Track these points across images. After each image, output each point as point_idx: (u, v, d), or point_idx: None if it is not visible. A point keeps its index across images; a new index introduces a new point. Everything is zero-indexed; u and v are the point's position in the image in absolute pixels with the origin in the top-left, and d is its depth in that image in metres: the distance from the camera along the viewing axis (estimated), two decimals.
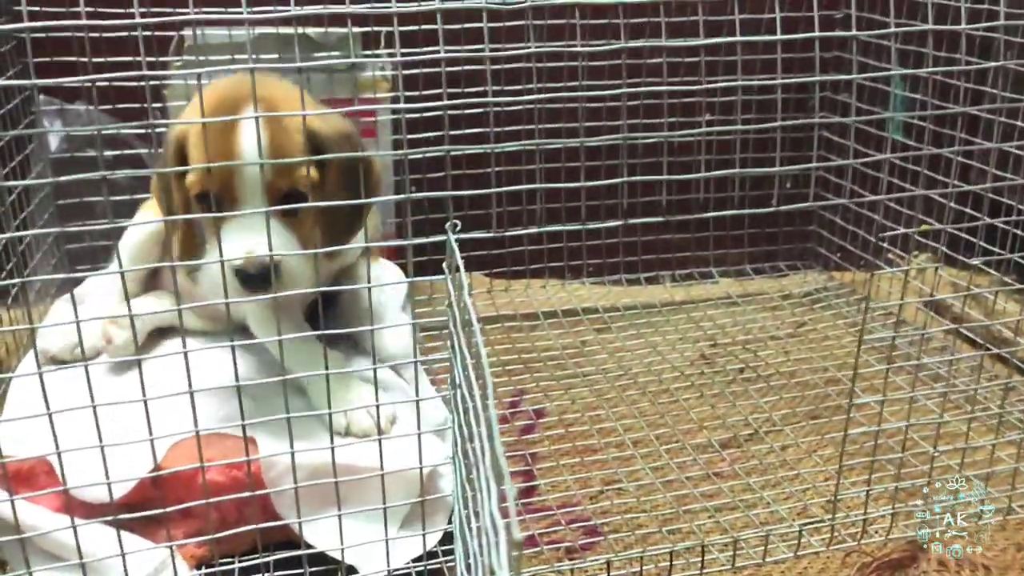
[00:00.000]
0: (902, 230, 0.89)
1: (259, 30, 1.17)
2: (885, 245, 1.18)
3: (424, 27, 1.02)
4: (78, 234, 1.21)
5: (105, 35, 0.78)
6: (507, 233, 0.61)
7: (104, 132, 1.24)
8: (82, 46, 0.76)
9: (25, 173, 1.15)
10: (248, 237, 0.77)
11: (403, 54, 0.56)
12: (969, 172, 1.20)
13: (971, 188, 0.85)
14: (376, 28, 1.20)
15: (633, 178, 0.60)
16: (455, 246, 0.57)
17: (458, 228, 0.58)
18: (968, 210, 1.06)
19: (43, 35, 1.02)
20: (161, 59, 1.17)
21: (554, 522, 0.90)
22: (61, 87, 1.16)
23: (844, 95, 1.33)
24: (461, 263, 0.55)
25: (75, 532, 0.69)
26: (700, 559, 0.81)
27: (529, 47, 0.60)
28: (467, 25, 1.00)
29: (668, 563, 0.81)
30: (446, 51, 0.55)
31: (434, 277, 0.61)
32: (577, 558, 0.85)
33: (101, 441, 0.68)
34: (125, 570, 0.70)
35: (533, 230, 0.62)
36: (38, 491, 0.78)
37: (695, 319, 1.34)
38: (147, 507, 0.78)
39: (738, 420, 1.08)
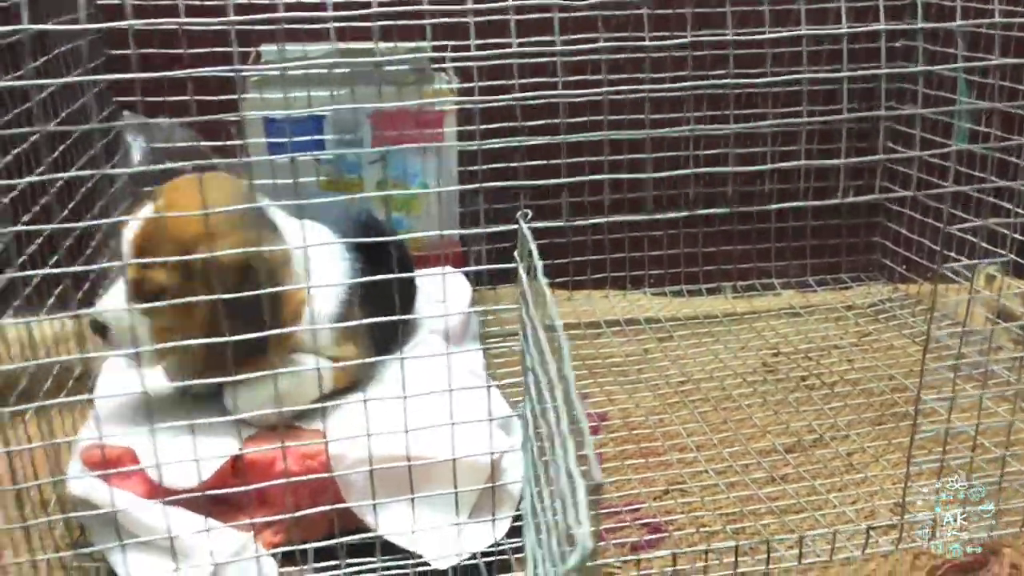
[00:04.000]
0: (973, 223, 0.88)
1: (331, 45, 1.21)
2: (952, 255, 1.17)
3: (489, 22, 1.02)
4: None
5: (188, 52, 0.83)
6: (577, 222, 0.63)
7: (182, 144, 1.30)
8: (166, 63, 0.81)
9: (109, 187, 1.21)
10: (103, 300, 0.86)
11: (477, 47, 0.58)
12: None
13: None
14: (443, 42, 1.23)
15: (701, 169, 0.62)
16: (528, 233, 0.59)
17: (529, 217, 0.60)
18: None
19: (127, 52, 1.09)
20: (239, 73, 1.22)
21: (619, 520, 0.91)
22: (143, 102, 1.22)
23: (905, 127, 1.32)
24: (535, 247, 0.57)
25: (165, 513, 0.72)
26: (766, 556, 0.81)
27: (598, 41, 0.62)
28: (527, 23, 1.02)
29: (733, 559, 0.81)
30: (519, 44, 0.57)
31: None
32: (643, 553, 0.85)
33: (190, 429, 0.71)
34: (211, 550, 0.73)
35: (602, 219, 0.63)
36: (126, 476, 0.82)
37: (757, 329, 1.34)
38: (226, 496, 0.81)
39: (802, 425, 1.07)
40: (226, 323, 0.68)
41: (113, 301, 0.86)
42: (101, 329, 0.86)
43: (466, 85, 1.20)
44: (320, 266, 0.82)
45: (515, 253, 0.62)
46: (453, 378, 0.76)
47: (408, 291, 1.07)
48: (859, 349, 1.27)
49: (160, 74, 0.58)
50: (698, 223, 1.37)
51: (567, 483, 0.39)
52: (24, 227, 0.67)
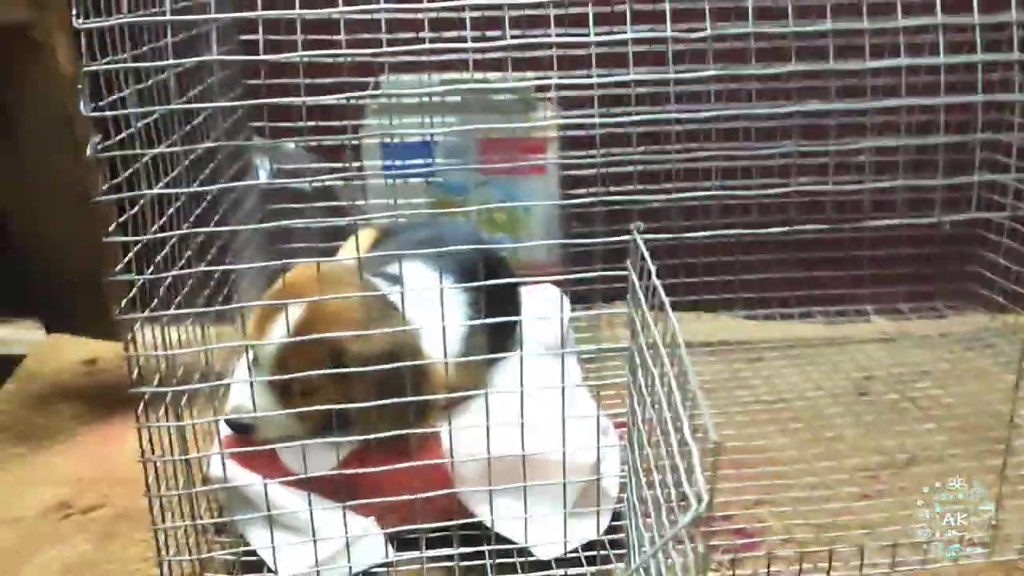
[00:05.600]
0: None
1: (445, 75, 1.31)
2: None
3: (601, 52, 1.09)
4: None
5: (313, 81, 0.93)
6: (686, 236, 0.69)
7: (306, 165, 1.40)
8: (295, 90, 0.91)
9: (240, 204, 1.32)
10: (239, 394, 0.90)
11: (599, 75, 0.65)
12: None
13: None
14: (548, 72, 1.30)
15: (801, 187, 0.67)
16: (641, 242, 0.64)
17: (642, 229, 0.66)
18: None
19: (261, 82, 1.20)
20: (359, 101, 1.31)
21: (712, 525, 0.95)
22: (273, 127, 1.33)
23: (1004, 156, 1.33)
24: (648, 255, 0.63)
25: (305, 495, 0.80)
26: (859, 562, 0.84)
27: (708, 69, 0.68)
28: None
29: (827, 564, 0.84)
30: (635, 72, 0.64)
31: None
32: (736, 559, 0.89)
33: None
34: (345, 525, 0.81)
35: (713, 233, 0.69)
36: (263, 466, 0.90)
37: (849, 352, 1.36)
38: (350, 482, 0.89)
39: (894, 445, 1.09)
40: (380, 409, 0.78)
41: (244, 396, 0.87)
42: (244, 428, 0.90)
43: (579, 112, 1.27)
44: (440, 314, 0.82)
45: (627, 262, 0.68)
46: (558, 382, 0.82)
47: (515, 304, 1.14)
48: (954, 375, 1.28)
49: (314, 99, 0.67)
50: (791, 248, 1.40)
51: (680, 451, 0.44)
52: (190, 230, 0.77)
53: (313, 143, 1.34)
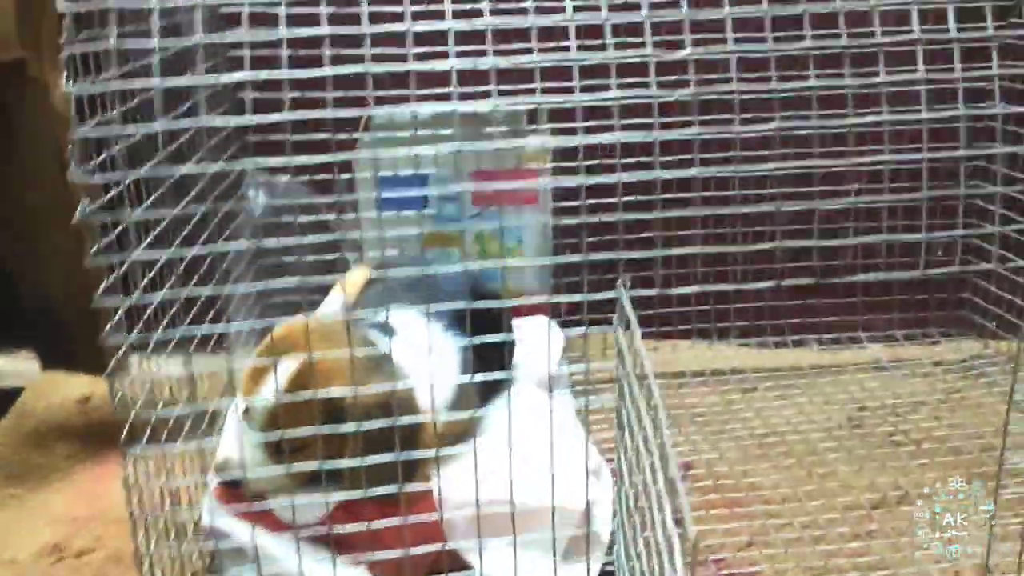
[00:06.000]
0: None
1: (437, 108, 1.31)
2: None
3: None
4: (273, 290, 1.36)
5: (307, 118, 0.93)
6: (673, 291, 0.69)
7: (300, 200, 1.40)
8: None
9: (236, 237, 1.31)
10: (228, 448, 0.93)
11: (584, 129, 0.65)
12: None
13: None
14: (538, 104, 1.30)
15: (787, 243, 0.67)
16: (627, 302, 0.65)
17: (628, 285, 0.67)
18: None
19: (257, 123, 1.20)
20: (352, 135, 1.32)
21: (705, 568, 0.95)
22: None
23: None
24: (634, 317, 0.63)
25: (298, 546, 0.81)
26: None
27: (693, 124, 0.68)
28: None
29: None
30: (622, 130, 0.64)
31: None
32: None
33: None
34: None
35: (695, 288, 0.69)
36: (253, 516, 0.90)
37: (843, 383, 1.36)
38: (337, 536, 0.88)
39: (887, 482, 1.09)
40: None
41: (233, 449, 0.89)
42: (234, 483, 0.90)
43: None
44: (434, 365, 0.83)
45: (614, 317, 0.68)
46: (550, 427, 0.82)
47: (510, 348, 1.13)
48: (947, 406, 1.28)
49: (304, 136, 0.67)
50: (784, 276, 1.41)
51: (664, 538, 0.44)
52: (182, 289, 0.77)
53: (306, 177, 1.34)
